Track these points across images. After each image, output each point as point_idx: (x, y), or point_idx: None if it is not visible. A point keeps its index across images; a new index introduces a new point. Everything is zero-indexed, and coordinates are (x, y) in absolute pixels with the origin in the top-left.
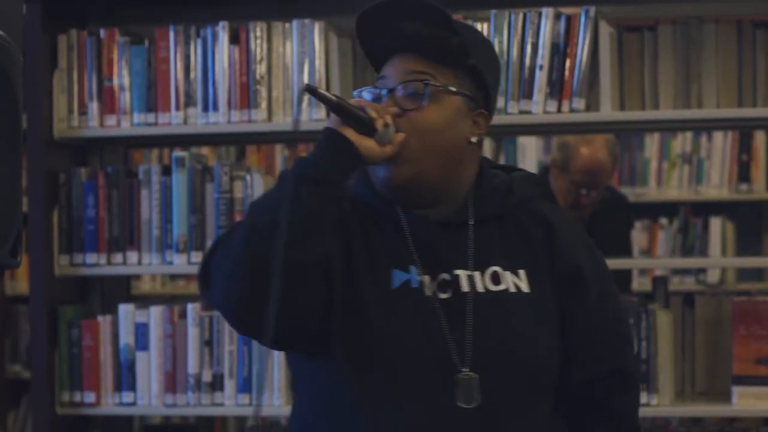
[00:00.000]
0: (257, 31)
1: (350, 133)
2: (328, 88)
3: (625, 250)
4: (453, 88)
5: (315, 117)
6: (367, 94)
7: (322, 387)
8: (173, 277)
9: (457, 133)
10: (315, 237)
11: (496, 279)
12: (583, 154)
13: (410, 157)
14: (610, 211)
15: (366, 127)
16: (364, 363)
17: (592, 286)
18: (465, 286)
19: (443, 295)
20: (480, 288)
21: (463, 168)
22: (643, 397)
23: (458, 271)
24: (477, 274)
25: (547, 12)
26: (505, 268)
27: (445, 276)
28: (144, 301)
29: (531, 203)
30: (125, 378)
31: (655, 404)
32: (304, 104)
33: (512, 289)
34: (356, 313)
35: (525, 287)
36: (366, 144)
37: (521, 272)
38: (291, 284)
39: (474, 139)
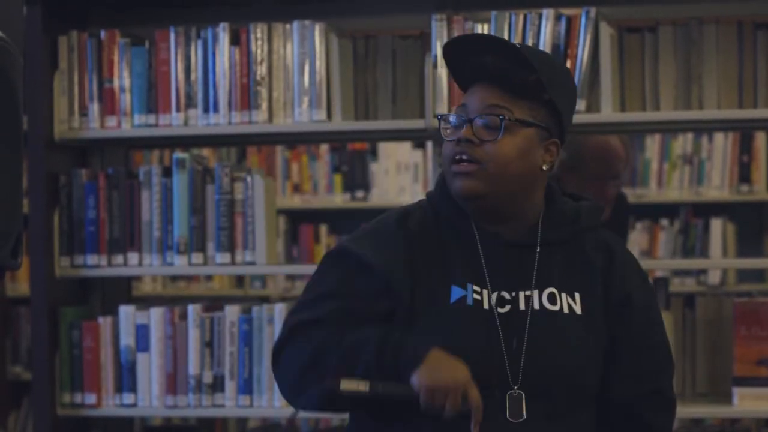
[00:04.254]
0: (258, 32)
1: None
2: (328, 89)
3: None
4: (528, 120)
5: (315, 118)
6: (453, 119)
7: None
8: (174, 278)
9: (529, 161)
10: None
11: (552, 299)
12: (593, 142)
13: (486, 178)
14: (616, 213)
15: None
16: None
17: (640, 313)
18: (522, 305)
19: (501, 310)
20: (536, 306)
21: (533, 191)
22: None
23: (519, 292)
24: (536, 293)
25: (548, 13)
26: (561, 290)
27: (505, 294)
28: (145, 302)
29: (595, 231)
30: (126, 379)
31: None
32: (304, 105)
33: (566, 310)
34: (414, 329)
35: (578, 309)
36: None
37: (576, 295)
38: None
39: (545, 167)
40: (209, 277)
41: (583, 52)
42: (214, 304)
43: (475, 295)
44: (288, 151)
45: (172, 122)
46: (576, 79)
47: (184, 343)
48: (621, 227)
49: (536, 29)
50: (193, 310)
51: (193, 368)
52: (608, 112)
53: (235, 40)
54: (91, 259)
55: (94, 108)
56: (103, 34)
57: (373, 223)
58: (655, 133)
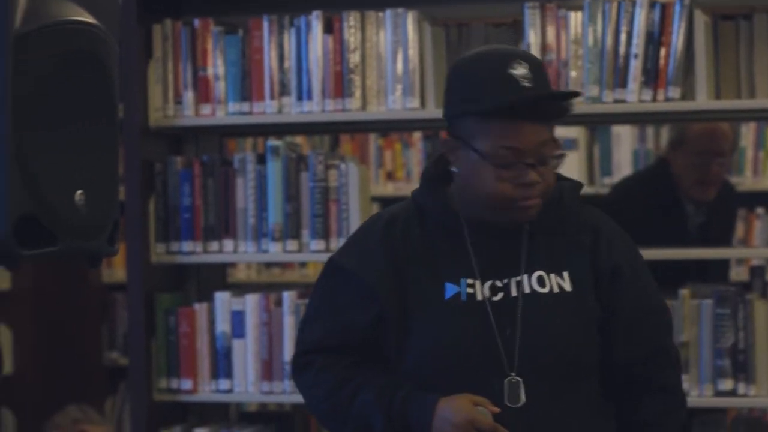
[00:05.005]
0: (351, 20)
1: None
2: (421, 77)
3: (730, 239)
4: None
5: (408, 106)
6: (512, 159)
7: None
8: (268, 265)
9: None
10: None
11: (541, 282)
12: (699, 123)
13: (542, 196)
14: (721, 198)
15: None
16: (422, 372)
17: (631, 282)
18: (514, 291)
19: (495, 298)
20: (527, 290)
21: None
22: (741, 388)
23: (510, 279)
24: (525, 278)
25: (642, 0)
26: (549, 271)
27: (497, 282)
28: (240, 289)
29: (579, 210)
30: (222, 365)
31: (753, 395)
32: (397, 93)
33: (556, 290)
34: (408, 330)
35: (567, 287)
36: None
37: (565, 274)
38: None
39: None
40: (303, 264)
41: (678, 39)
42: (308, 290)
43: (469, 289)
44: (381, 139)
45: (266, 110)
46: (670, 67)
47: (279, 329)
48: (726, 214)
49: (630, 16)
50: (288, 296)
51: (288, 355)
52: (703, 100)
53: (328, 28)
54: (187, 245)
55: (189, 96)
56: (196, 22)
57: (359, 230)
58: (750, 120)
